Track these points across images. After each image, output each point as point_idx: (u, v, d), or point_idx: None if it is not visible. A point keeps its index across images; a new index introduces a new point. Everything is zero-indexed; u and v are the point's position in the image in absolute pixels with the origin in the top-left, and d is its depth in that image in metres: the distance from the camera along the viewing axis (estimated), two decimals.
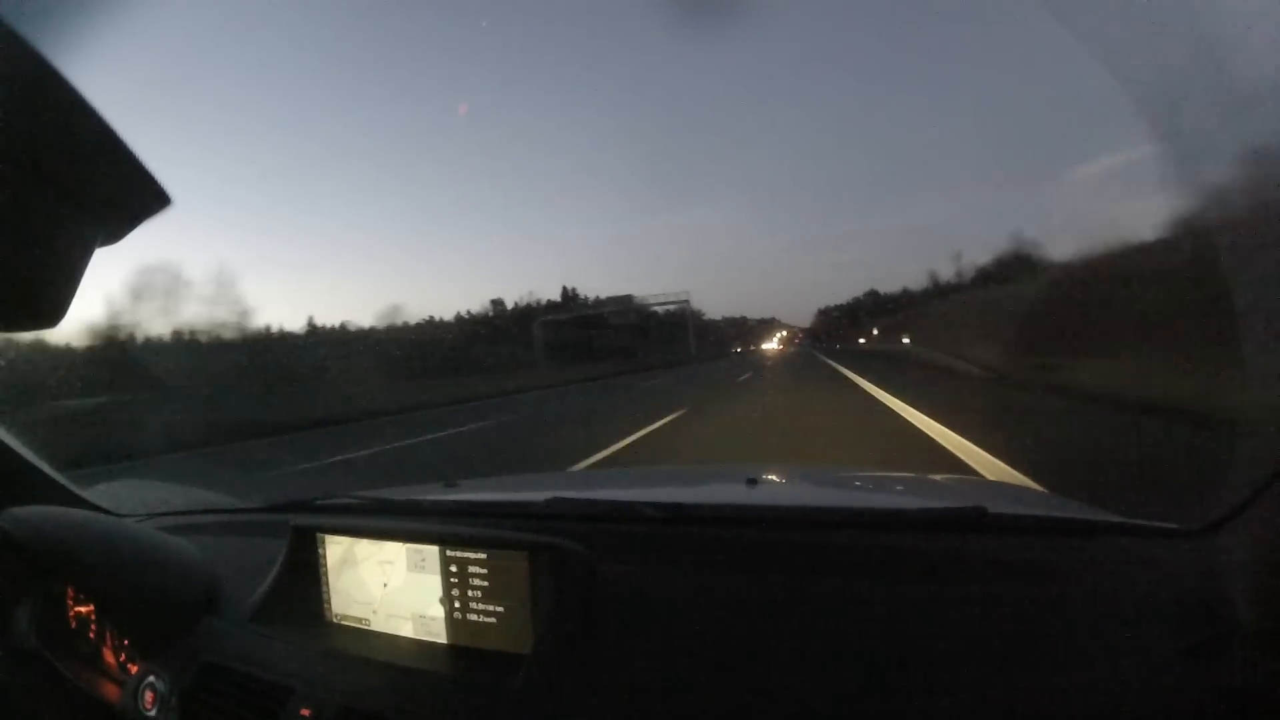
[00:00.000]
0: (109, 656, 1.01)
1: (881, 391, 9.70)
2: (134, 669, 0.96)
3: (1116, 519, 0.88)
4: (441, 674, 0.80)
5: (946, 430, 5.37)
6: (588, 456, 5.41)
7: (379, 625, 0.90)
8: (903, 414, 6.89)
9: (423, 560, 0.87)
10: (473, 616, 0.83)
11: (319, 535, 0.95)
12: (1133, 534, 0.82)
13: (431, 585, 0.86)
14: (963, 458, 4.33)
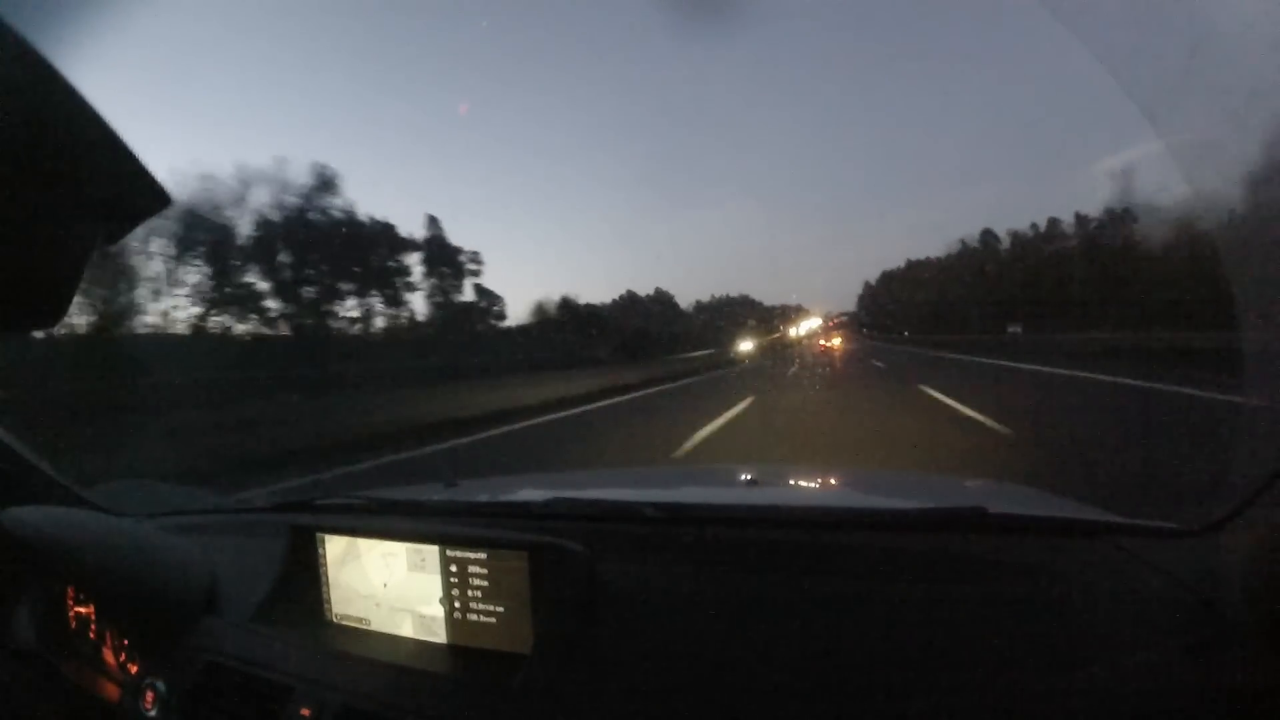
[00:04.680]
0: (109, 656, 1.00)
1: None
2: (134, 669, 0.96)
3: (1116, 519, 0.88)
4: (441, 674, 0.80)
5: None
6: None
7: (379, 625, 0.90)
8: None
9: (423, 560, 0.87)
10: (473, 616, 0.83)
11: (319, 535, 0.95)
12: (1133, 534, 0.82)
13: (431, 585, 0.86)
14: None
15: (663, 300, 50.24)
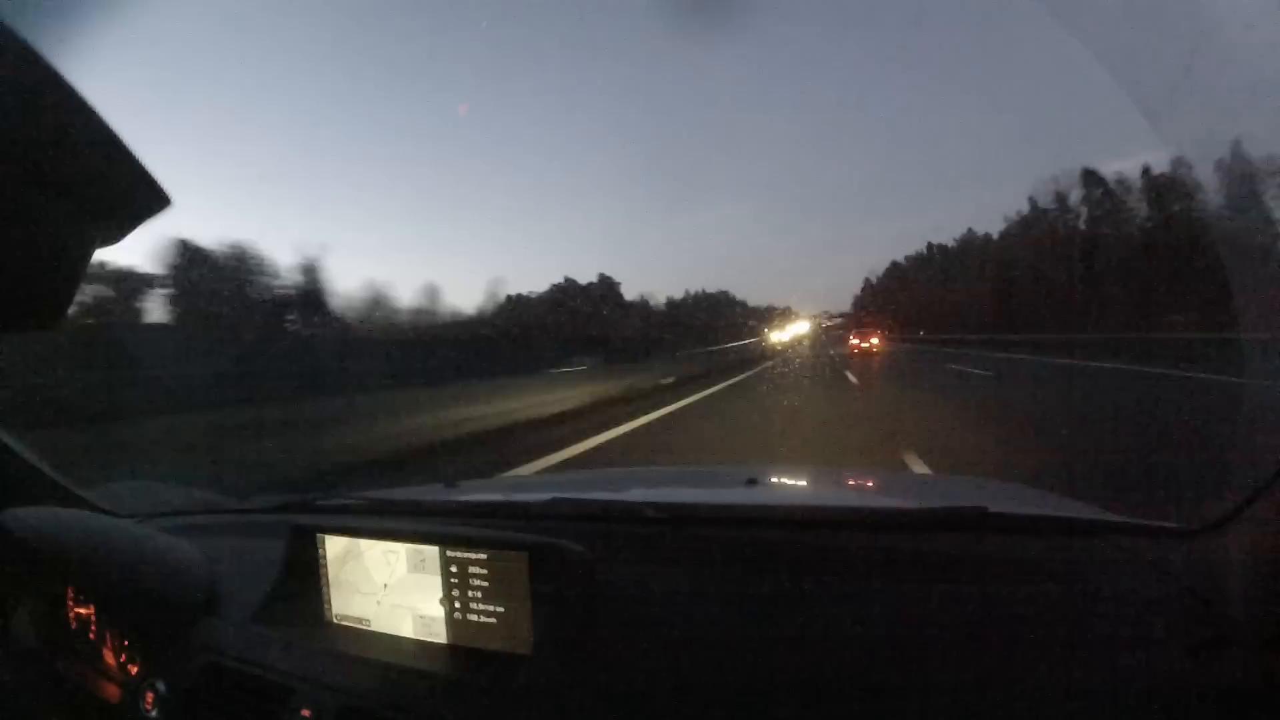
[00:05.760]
0: (109, 657, 1.00)
1: None
2: (134, 669, 0.96)
3: (1117, 519, 0.88)
4: (441, 674, 0.80)
5: None
6: None
7: (379, 625, 0.90)
8: None
9: (423, 560, 0.87)
10: (473, 617, 0.83)
11: (319, 535, 0.95)
12: (1133, 534, 0.82)
13: (432, 585, 0.86)
14: None
15: (607, 289, 39.24)
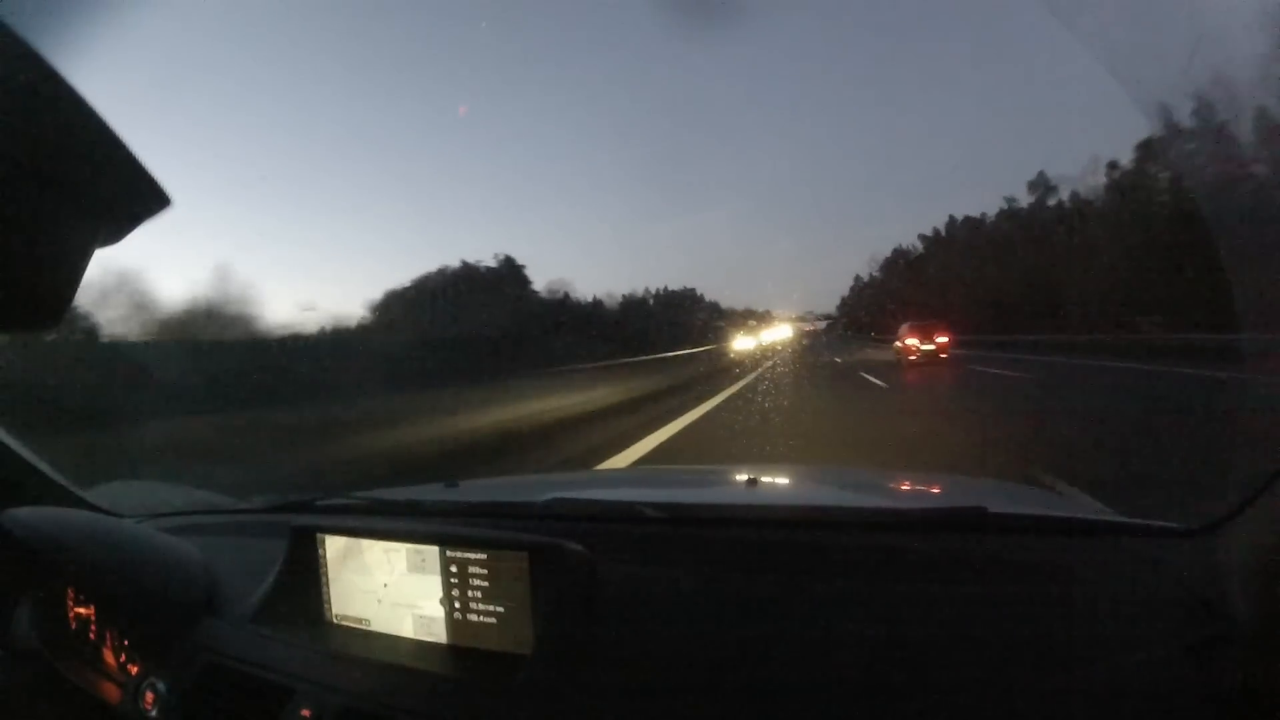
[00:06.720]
0: (109, 657, 1.00)
1: None
2: (134, 670, 0.96)
3: (1117, 518, 0.88)
4: (441, 674, 0.80)
5: None
6: None
7: (379, 625, 0.90)
8: None
9: (423, 560, 0.87)
10: (473, 617, 0.83)
11: (319, 535, 0.95)
12: (1133, 533, 0.82)
13: (431, 585, 0.86)
14: None
15: (509, 275, 30.01)
